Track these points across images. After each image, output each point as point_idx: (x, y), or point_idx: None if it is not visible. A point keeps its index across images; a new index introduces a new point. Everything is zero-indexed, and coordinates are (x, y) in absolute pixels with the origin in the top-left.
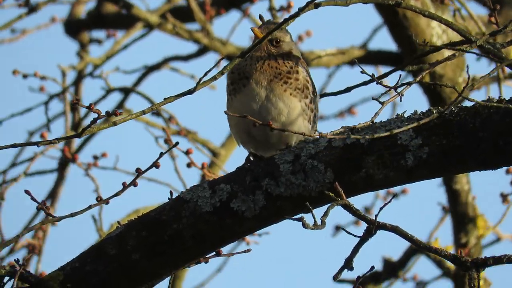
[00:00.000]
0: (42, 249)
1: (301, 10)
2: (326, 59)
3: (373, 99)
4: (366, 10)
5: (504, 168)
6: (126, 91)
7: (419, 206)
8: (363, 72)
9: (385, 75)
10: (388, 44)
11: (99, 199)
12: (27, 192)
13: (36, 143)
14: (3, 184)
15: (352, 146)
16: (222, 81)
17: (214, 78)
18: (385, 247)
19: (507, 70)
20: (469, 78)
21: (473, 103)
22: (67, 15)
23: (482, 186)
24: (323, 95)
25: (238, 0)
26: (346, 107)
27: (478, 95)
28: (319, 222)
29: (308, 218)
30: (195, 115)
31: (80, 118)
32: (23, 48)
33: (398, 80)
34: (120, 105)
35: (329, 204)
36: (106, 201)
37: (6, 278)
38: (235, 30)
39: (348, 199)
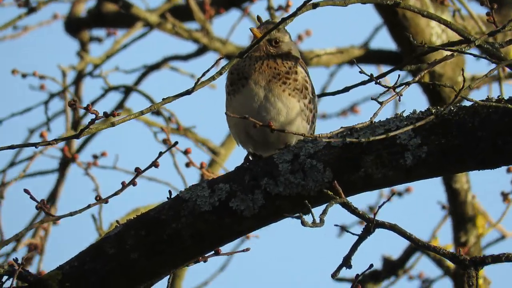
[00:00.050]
0: (44, 248)
1: (299, 10)
2: (326, 59)
3: (372, 99)
4: (366, 9)
5: (505, 167)
6: (126, 89)
7: (422, 204)
8: (361, 72)
9: (384, 74)
10: (390, 43)
11: (98, 198)
12: (26, 191)
13: (34, 144)
14: (2, 184)
15: (351, 145)
16: (222, 80)
17: (213, 78)
18: (386, 246)
19: (507, 69)
20: (464, 80)
21: (472, 102)
22: (67, 13)
23: (483, 185)
24: (322, 95)
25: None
26: (349, 106)
27: (479, 94)
28: (317, 220)
29: (306, 216)
30: (195, 114)
31: (80, 117)
32: (24, 46)
33: (397, 80)
34: (120, 104)
35: (328, 203)
36: (105, 201)
37: (5, 277)
38: (234, 29)
39: (347, 198)
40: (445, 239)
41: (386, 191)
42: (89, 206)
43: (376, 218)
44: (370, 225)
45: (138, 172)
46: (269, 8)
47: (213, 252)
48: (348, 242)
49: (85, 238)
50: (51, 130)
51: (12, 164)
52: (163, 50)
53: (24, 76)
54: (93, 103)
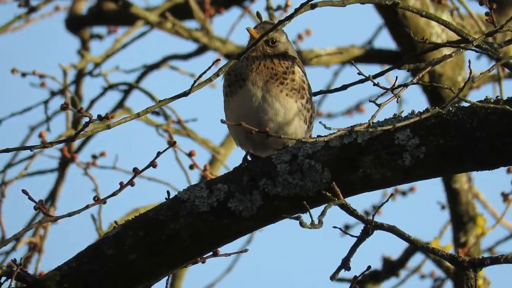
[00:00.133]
0: (43, 248)
1: (296, 12)
2: (326, 58)
3: (370, 101)
4: (366, 9)
5: (505, 168)
6: (127, 88)
7: (422, 204)
8: (359, 73)
9: (381, 73)
10: (392, 42)
11: (96, 199)
12: (24, 192)
13: (29, 148)
14: (3, 183)
15: (349, 145)
16: (222, 80)
17: (210, 80)
18: (386, 246)
19: (506, 69)
20: (468, 79)
21: (470, 104)
22: (68, 10)
23: (482, 185)
24: (320, 92)
25: None
26: (354, 105)
27: (479, 94)
28: (316, 222)
29: (305, 217)
30: (195, 114)
31: (81, 116)
32: (24, 43)
33: (395, 82)
34: (120, 103)
35: (326, 204)
36: (103, 201)
37: (3, 278)
38: (234, 28)
39: (346, 199)
40: (445, 239)
41: (390, 190)
42: (87, 207)
43: (374, 220)
44: (369, 226)
45: (136, 172)
46: (268, 8)
47: (211, 253)
48: (348, 241)
49: (85, 238)
50: (51, 130)
51: (11, 164)
52: (163, 49)
53: (23, 75)
54: (93, 101)
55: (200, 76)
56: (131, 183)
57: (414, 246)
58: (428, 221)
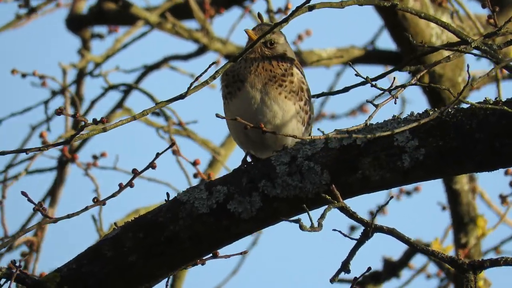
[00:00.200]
0: (40, 247)
1: (294, 13)
2: (326, 59)
3: (368, 101)
4: (366, 9)
5: (503, 170)
6: (127, 88)
7: (423, 205)
8: (357, 74)
9: (382, 75)
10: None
11: (95, 200)
12: (23, 193)
13: (25, 151)
14: (4, 184)
15: (349, 147)
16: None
17: (206, 82)
18: (387, 246)
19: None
20: (468, 81)
21: (469, 105)
22: (69, 9)
23: (487, 184)
24: (321, 94)
25: None
26: (358, 106)
27: (479, 95)
28: (316, 224)
29: (305, 220)
30: (195, 114)
31: (81, 116)
32: (25, 43)
33: (393, 83)
34: (120, 104)
35: (326, 207)
36: (103, 202)
37: (3, 280)
38: (235, 29)
39: (345, 200)
40: (445, 241)
41: (394, 190)
42: (86, 208)
43: (374, 222)
44: (368, 229)
45: (135, 173)
46: (269, 11)
47: (211, 255)
48: (350, 243)
49: (85, 238)
50: (53, 130)
51: (11, 164)
52: (163, 50)
53: (24, 75)
54: (93, 102)
55: (196, 79)
56: (130, 184)
57: (414, 249)
58: (429, 222)
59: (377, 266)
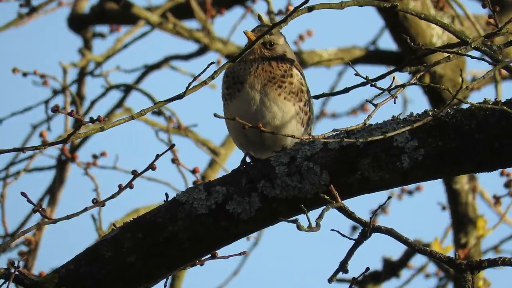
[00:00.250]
0: (39, 246)
1: (292, 14)
2: (327, 59)
3: (367, 101)
4: (367, 10)
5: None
6: (127, 88)
7: (423, 205)
8: (357, 74)
9: (382, 76)
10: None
11: (95, 201)
12: (23, 194)
13: (22, 149)
14: (6, 177)
15: (348, 148)
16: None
17: (205, 82)
18: (387, 246)
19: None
20: (463, 81)
21: (469, 105)
22: (70, 8)
23: (487, 183)
24: (322, 95)
25: None
26: (359, 104)
27: (479, 95)
28: (314, 225)
29: (303, 220)
30: (195, 114)
31: (82, 115)
32: (26, 41)
33: (392, 82)
34: (120, 103)
35: (324, 207)
36: (102, 204)
37: (1, 280)
38: (236, 29)
39: (344, 201)
40: (445, 240)
41: (396, 190)
42: (85, 209)
43: (373, 222)
44: (367, 229)
45: (135, 175)
46: (269, 12)
47: (210, 255)
48: (348, 243)
49: (85, 238)
50: (53, 129)
51: (11, 164)
52: (164, 50)
53: (24, 75)
54: (93, 102)
55: (195, 79)
56: (130, 185)
57: (412, 249)
58: (429, 222)
59: (378, 266)
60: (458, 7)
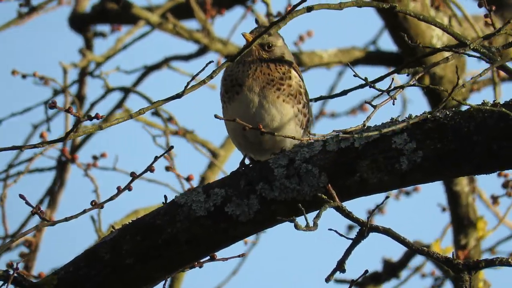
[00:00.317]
0: (38, 247)
1: (290, 13)
2: (327, 60)
3: (366, 102)
4: (368, 11)
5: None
6: (125, 91)
7: (423, 207)
8: (356, 75)
9: (380, 78)
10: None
11: (94, 203)
12: (21, 196)
13: (20, 147)
14: (6, 179)
15: (347, 150)
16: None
17: (203, 82)
18: (387, 247)
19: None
20: (458, 80)
21: (468, 107)
22: (71, 6)
23: (486, 185)
24: (320, 98)
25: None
26: (358, 104)
27: (479, 97)
28: (311, 224)
29: (301, 220)
30: (195, 115)
31: (83, 115)
32: (27, 40)
33: (391, 84)
34: (120, 104)
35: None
36: (101, 206)
37: (0, 282)
38: (236, 29)
39: (343, 203)
40: (445, 242)
41: (394, 191)
42: (84, 211)
43: (370, 222)
44: (364, 229)
45: (133, 177)
46: (268, 15)
47: (208, 257)
48: (347, 243)
49: (84, 238)
50: (54, 130)
51: (10, 166)
52: (164, 50)
53: (24, 76)
54: (93, 104)
55: (193, 78)
56: (128, 187)
57: (410, 249)
58: (430, 223)
59: (378, 267)
60: (457, 8)
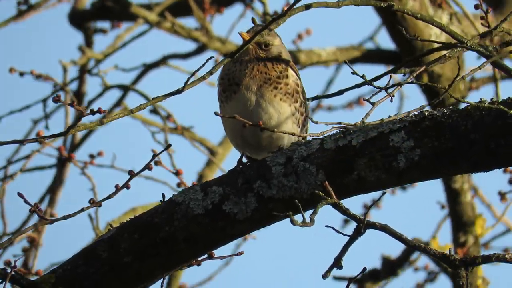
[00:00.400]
0: (40, 244)
1: (289, 11)
2: (325, 58)
3: (364, 99)
4: (366, 9)
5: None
6: (124, 89)
7: (422, 204)
8: (354, 73)
9: (378, 77)
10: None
11: (92, 201)
12: (20, 195)
13: (22, 141)
14: (3, 181)
15: (344, 148)
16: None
17: (203, 78)
18: (387, 245)
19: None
20: (453, 78)
21: (466, 104)
22: (71, 4)
23: (482, 183)
24: (316, 98)
25: None
26: (355, 98)
27: (478, 95)
28: (307, 220)
29: (299, 217)
30: (193, 113)
31: (81, 113)
32: (27, 37)
33: (389, 81)
34: (119, 102)
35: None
36: (99, 204)
37: None
38: (234, 28)
39: (341, 201)
40: (444, 239)
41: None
42: (82, 210)
43: (367, 219)
44: (361, 225)
45: (131, 175)
46: (265, 14)
47: (206, 255)
48: (344, 239)
49: (82, 236)
50: (53, 128)
51: (9, 162)
52: (163, 48)
53: (21, 74)
54: (90, 102)
55: (193, 74)
56: (126, 186)
57: (407, 245)
58: (429, 221)
59: (376, 264)
60: (457, 6)
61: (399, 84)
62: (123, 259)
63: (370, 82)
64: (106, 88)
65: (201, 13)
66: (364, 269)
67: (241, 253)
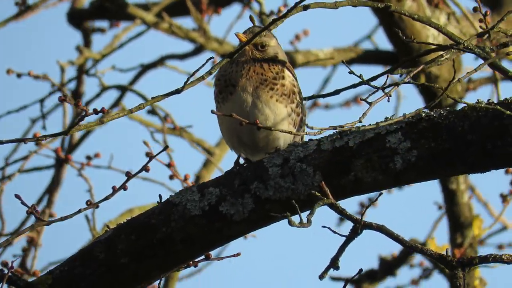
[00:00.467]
0: (38, 244)
1: (289, 12)
2: (323, 58)
3: (361, 99)
4: (364, 10)
5: (502, 169)
6: (121, 89)
7: (419, 205)
8: (351, 72)
9: (375, 78)
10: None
11: (89, 203)
12: (17, 196)
13: (23, 140)
14: (2, 179)
15: (341, 149)
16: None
17: (202, 78)
18: (386, 245)
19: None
20: (452, 79)
21: (463, 105)
22: (69, 5)
23: (481, 184)
24: (312, 97)
25: None
26: (352, 97)
27: (475, 96)
28: (305, 220)
29: (296, 217)
30: (191, 114)
31: (80, 113)
32: (26, 36)
33: (386, 81)
34: (117, 103)
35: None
36: (96, 205)
37: None
38: (232, 28)
39: (338, 202)
40: (442, 240)
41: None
42: (79, 211)
43: (363, 219)
44: (357, 226)
45: (129, 176)
46: (261, 14)
47: (203, 256)
48: (341, 240)
49: (79, 236)
50: (50, 129)
51: (6, 164)
52: (160, 49)
53: (19, 75)
54: (88, 103)
55: (193, 74)
56: (123, 187)
57: (403, 246)
58: (426, 221)
59: (374, 265)
60: (455, 6)
61: (396, 84)
62: (120, 260)
63: (367, 82)
64: (104, 88)
65: (198, 14)
66: (361, 270)
67: (238, 254)
